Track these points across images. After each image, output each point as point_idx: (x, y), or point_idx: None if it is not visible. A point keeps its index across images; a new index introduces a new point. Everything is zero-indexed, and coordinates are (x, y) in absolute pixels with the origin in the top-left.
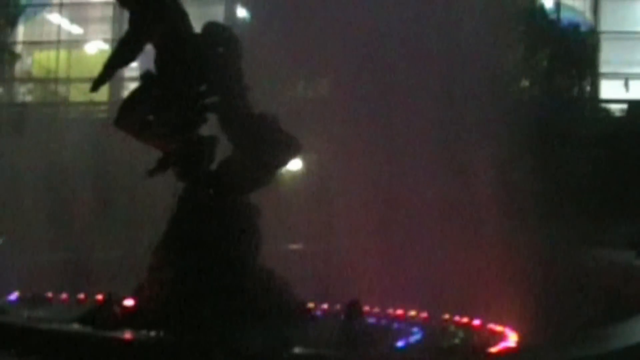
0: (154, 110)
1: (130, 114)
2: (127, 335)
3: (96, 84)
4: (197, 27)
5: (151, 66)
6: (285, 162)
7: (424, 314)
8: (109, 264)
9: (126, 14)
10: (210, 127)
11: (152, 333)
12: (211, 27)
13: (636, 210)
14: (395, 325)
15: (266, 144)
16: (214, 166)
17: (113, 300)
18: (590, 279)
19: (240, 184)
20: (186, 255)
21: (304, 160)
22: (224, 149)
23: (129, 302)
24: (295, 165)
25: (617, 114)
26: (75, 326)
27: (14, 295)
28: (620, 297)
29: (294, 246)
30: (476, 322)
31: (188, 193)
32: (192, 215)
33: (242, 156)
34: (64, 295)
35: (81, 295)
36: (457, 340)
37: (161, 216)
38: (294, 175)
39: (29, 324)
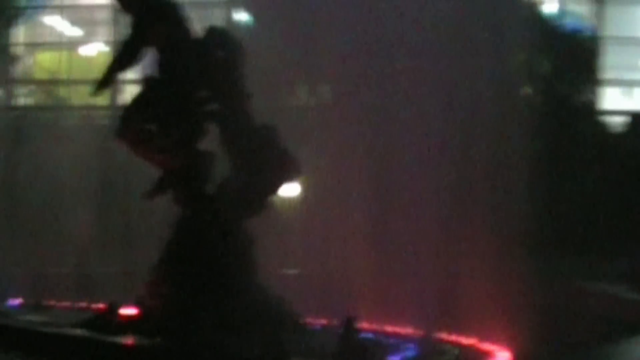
0: (156, 118)
1: (132, 124)
2: (128, 340)
3: (98, 88)
4: (198, 31)
5: (152, 69)
6: (283, 184)
7: (419, 331)
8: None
9: (127, 17)
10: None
11: (151, 339)
12: (212, 31)
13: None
14: (390, 340)
15: (265, 163)
16: (211, 188)
17: (114, 308)
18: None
19: (238, 206)
20: (185, 271)
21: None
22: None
23: (128, 311)
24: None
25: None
26: (78, 331)
27: (16, 301)
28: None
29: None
30: (469, 340)
31: (187, 213)
32: (191, 233)
33: (240, 176)
34: (65, 303)
35: (82, 304)
36: (449, 357)
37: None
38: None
39: (33, 328)
